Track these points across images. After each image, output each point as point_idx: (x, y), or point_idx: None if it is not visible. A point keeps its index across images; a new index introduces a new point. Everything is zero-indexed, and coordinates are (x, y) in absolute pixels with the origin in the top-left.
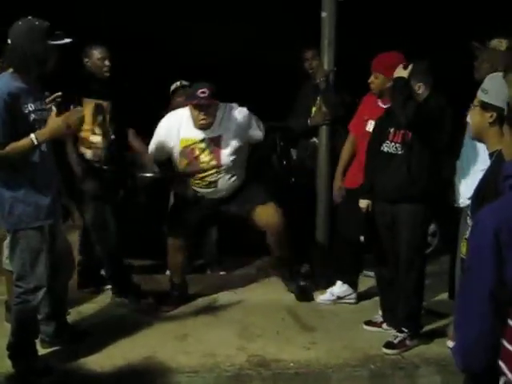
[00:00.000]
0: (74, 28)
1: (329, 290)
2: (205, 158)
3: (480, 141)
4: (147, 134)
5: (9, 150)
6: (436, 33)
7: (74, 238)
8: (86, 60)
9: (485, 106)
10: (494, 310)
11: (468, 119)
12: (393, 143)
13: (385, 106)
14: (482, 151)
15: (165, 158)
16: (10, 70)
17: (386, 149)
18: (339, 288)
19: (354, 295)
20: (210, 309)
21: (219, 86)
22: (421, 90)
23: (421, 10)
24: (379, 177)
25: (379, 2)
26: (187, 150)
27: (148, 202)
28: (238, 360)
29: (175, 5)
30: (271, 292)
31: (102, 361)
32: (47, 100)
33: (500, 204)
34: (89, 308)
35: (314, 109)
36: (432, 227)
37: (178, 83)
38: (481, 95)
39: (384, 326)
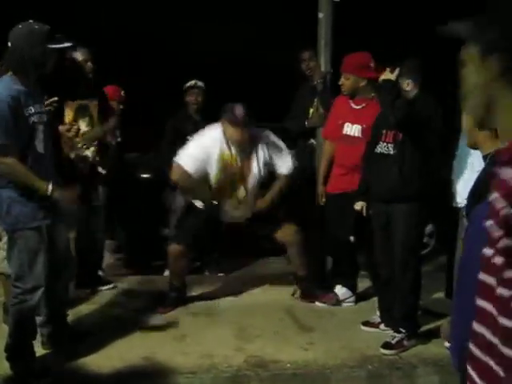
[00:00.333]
0: (73, 28)
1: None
2: (240, 193)
3: (475, 147)
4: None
5: (16, 167)
6: (432, 33)
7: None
8: (68, 62)
9: None
10: None
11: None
12: (385, 143)
13: (358, 107)
14: (479, 152)
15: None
16: (10, 73)
17: (379, 150)
18: (339, 291)
19: (352, 298)
20: (208, 310)
21: (219, 86)
22: (409, 87)
23: (418, 11)
24: (374, 178)
25: (376, 2)
26: (224, 165)
27: (145, 205)
28: (236, 361)
29: (175, 5)
30: (269, 293)
31: (100, 361)
32: (45, 103)
33: None
34: (87, 309)
35: (311, 110)
36: (429, 228)
37: (193, 82)
38: None
39: (382, 326)
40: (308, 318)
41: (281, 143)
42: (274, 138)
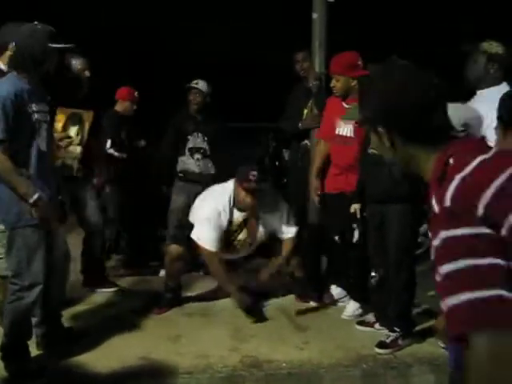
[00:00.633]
0: (73, 28)
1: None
2: (241, 236)
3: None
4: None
5: (5, 164)
6: (428, 33)
7: (76, 240)
8: (66, 69)
9: None
10: None
11: None
12: None
13: (349, 106)
14: None
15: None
16: (14, 72)
17: (371, 150)
18: (334, 291)
19: (347, 298)
20: (203, 310)
21: (219, 87)
22: None
23: (413, 11)
24: (367, 179)
25: (370, 3)
26: (231, 230)
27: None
28: (231, 361)
29: (175, 5)
30: (264, 292)
31: (95, 362)
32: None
33: None
34: (82, 309)
35: (305, 111)
36: (424, 227)
37: (194, 82)
38: None
39: (376, 325)
40: (303, 317)
41: (286, 206)
42: (279, 200)
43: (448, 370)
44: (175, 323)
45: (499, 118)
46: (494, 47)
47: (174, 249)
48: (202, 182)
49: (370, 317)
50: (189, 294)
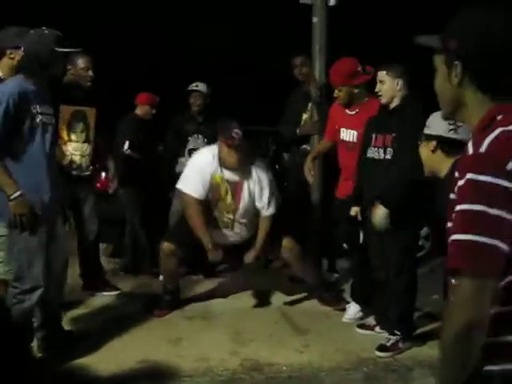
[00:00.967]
0: (73, 28)
1: None
2: (228, 200)
3: (434, 173)
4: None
5: None
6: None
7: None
8: (69, 68)
9: (427, 138)
10: None
11: None
12: (375, 148)
13: (352, 113)
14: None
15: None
16: (21, 75)
17: (370, 154)
18: (352, 309)
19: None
20: (203, 313)
21: (218, 87)
22: (399, 85)
23: (414, 15)
24: (366, 182)
25: (371, 7)
26: (214, 187)
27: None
28: (232, 364)
29: (175, 5)
30: (264, 295)
31: (96, 365)
32: None
33: None
34: (82, 312)
35: (304, 115)
36: (425, 230)
37: (194, 85)
38: (425, 130)
39: (377, 329)
40: (303, 320)
41: (271, 183)
42: (266, 173)
43: None
44: (175, 326)
45: None
46: None
47: (166, 246)
48: None
49: (371, 320)
50: (189, 296)
